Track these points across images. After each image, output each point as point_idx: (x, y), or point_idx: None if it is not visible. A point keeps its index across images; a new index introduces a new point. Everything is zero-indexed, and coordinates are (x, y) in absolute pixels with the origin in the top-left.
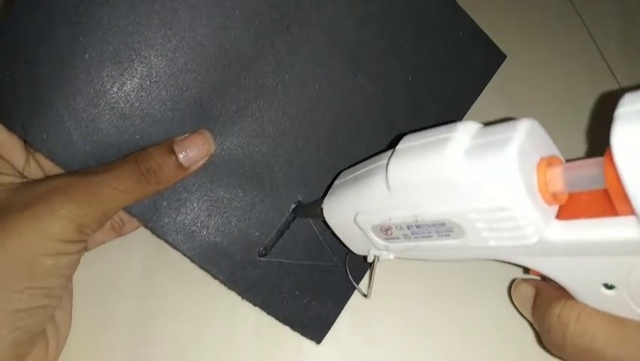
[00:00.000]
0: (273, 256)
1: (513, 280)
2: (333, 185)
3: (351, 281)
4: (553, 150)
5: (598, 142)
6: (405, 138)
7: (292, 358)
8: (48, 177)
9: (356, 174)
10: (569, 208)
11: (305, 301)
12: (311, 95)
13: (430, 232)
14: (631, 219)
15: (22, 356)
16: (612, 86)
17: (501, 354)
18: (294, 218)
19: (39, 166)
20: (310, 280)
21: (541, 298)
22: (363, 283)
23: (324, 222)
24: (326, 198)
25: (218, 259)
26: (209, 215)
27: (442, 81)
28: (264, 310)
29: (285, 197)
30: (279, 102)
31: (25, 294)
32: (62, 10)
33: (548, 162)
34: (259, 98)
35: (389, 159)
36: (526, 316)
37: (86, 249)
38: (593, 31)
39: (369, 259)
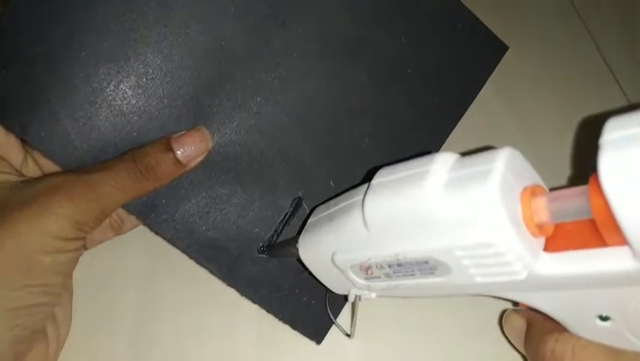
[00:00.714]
0: (272, 252)
1: (504, 311)
2: (308, 222)
3: (331, 318)
4: (535, 178)
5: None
6: (380, 172)
7: (293, 358)
8: (46, 176)
9: (330, 210)
10: (556, 240)
11: (305, 299)
12: (308, 90)
13: (412, 271)
14: (623, 249)
15: (22, 354)
16: (611, 84)
17: None
18: (293, 214)
19: (37, 165)
20: (310, 278)
21: (534, 331)
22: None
23: (299, 260)
24: (301, 236)
25: (217, 256)
26: (207, 212)
27: (442, 74)
28: (264, 308)
29: (285, 193)
30: (276, 98)
31: (23, 292)
32: (59, 9)
33: (532, 191)
34: (256, 94)
35: (365, 195)
36: (518, 348)
37: (85, 248)
38: (593, 30)
39: (350, 299)
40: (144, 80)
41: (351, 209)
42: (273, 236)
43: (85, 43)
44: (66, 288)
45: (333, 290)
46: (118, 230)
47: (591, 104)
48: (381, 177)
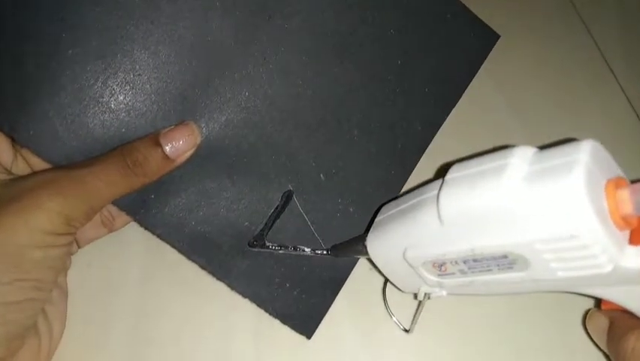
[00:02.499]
0: (262, 246)
1: (587, 311)
2: (376, 220)
3: (389, 313)
4: (617, 170)
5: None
6: (454, 167)
7: (291, 357)
8: (35, 173)
9: (401, 207)
10: None
11: (295, 293)
12: (297, 84)
13: (489, 266)
14: None
15: (14, 350)
16: (610, 81)
17: None
18: (284, 208)
19: (27, 163)
20: (301, 271)
21: (616, 328)
22: (356, 289)
23: (369, 259)
24: (369, 233)
25: (207, 250)
26: (197, 206)
27: (432, 64)
28: (254, 303)
29: (275, 186)
30: (264, 92)
31: (14, 286)
32: (46, 7)
33: (616, 183)
34: (244, 88)
35: (439, 190)
36: (602, 348)
37: (78, 245)
38: (591, 27)
39: (420, 297)
40: (132, 76)
41: (425, 204)
42: (263, 230)
43: (72, 41)
44: (58, 285)
45: (402, 288)
46: (110, 227)
47: (589, 100)
48: (456, 172)
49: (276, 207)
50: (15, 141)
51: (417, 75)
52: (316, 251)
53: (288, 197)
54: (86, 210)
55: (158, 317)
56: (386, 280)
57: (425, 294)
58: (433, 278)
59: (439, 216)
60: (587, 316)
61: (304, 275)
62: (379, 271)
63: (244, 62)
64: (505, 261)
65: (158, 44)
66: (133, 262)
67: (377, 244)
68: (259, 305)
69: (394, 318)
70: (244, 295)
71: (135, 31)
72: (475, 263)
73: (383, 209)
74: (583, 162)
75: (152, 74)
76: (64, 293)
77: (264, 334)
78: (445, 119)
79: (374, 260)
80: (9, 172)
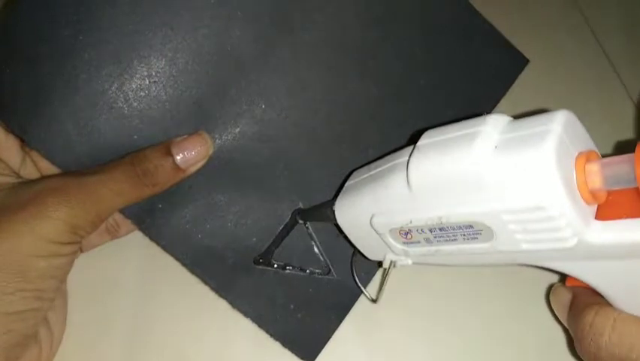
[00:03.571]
0: (268, 264)
1: (551, 286)
2: (345, 185)
3: (357, 283)
4: (589, 144)
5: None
6: (426, 134)
7: None
8: (43, 178)
9: (372, 173)
10: (608, 208)
11: (299, 316)
12: (314, 99)
13: (455, 235)
14: None
15: (14, 359)
16: (616, 85)
17: None
18: (294, 226)
19: (35, 167)
20: (306, 293)
21: (577, 303)
22: (370, 289)
23: (336, 225)
24: (338, 198)
25: (211, 265)
26: (204, 219)
27: (457, 86)
28: (256, 324)
29: (285, 203)
30: (281, 105)
31: (16, 296)
32: (63, 9)
33: (587, 157)
34: (261, 101)
35: (410, 156)
36: (563, 322)
37: (80, 250)
38: (596, 31)
39: (385, 265)
40: (147, 82)
41: (395, 170)
42: (270, 247)
43: (88, 44)
44: (60, 292)
45: (368, 256)
46: (114, 234)
47: (595, 102)
48: (427, 139)
49: (285, 225)
50: (24, 143)
51: (439, 96)
52: (322, 274)
53: (298, 215)
54: (92, 220)
55: (157, 320)
56: (354, 250)
57: (391, 262)
58: (398, 246)
59: (408, 183)
60: (551, 290)
61: (310, 297)
62: (346, 238)
63: (262, 73)
64: (470, 231)
65: (176, 52)
66: (133, 265)
67: (345, 209)
68: (260, 326)
69: (363, 289)
70: (245, 314)
71: (153, 37)
72: (441, 232)
73: (353, 174)
74: (555, 133)
75: (168, 82)
76: (65, 299)
77: (264, 342)
78: None
79: (341, 226)
80: (17, 175)
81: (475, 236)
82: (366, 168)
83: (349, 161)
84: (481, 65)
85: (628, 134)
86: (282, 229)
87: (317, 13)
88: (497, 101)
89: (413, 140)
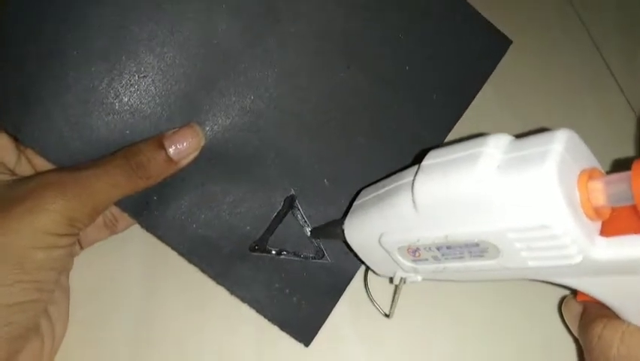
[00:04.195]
0: (263, 251)
1: (563, 297)
2: (354, 205)
3: (370, 298)
4: (592, 161)
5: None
6: (430, 154)
7: (292, 359)
8: (39, 174)
9: (379, 192)
10: (613, 224)
11: (295, 300)
12: (302, 88)
13: (462, 253)
14: None
15: (16, 351)
16: (610, 84)
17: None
18: (287, 213)
19: (30, 164)
20: (301, 277)
21: (586, 316)
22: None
23: (345, 242)
24: (347, 218)
25: (208, 254)
26: (199, 209)
27: (442, 69)
28: (253, 308)
29: (278, 190)
30: (269, 95)
31: (16, 288)
32: (51, 7)
33: (589, 174)
34: (249, 91)
35: (415, 176)
36: (574, 334)
37: (81, 247)
38: (591, 30)
39: (396, 282)
40: (136, 78)
41: (401, 191)
42: (265, 234)
43: (77, 42)
44: (60, 286)
45: (378, 273)
46: (112, 229)
47: (589, 102)
48: (431, 159)
49: (279, 212)
50: (19, 142)
51: (425, 81)
52: (316, 258)
53: (291, 201)
54: (88, 212)
55: (159, 317)
56: (367, 269)
57: (401, 279)
58: (407, 264)
59: (414, 203)
60: (564, 302)
61: (304, 281)
62: (355, 255)
63: (250, 64)
64: (476, 249)
65: (163, 46)
66: (135, 263)
67: (354, 228)
68: (258, 311)
69: (375, 303)
70: (243, 299)
71: (140, 33)
72: (448, 250)
73: (361, 193)
74: (556, 152)
75: (157, 76)
76: (67, 293)
77: (267, 337)
78: (453, 126)
79: (351, 244)
80: (12, 173)
81: (481, 254)
82: (373, 187)
83: (339, 148)
84: (465, 48)
85: (622, 132)
86: (276, 216)
87: (302, 3)
88: (482, 83)
89: (417, 159)
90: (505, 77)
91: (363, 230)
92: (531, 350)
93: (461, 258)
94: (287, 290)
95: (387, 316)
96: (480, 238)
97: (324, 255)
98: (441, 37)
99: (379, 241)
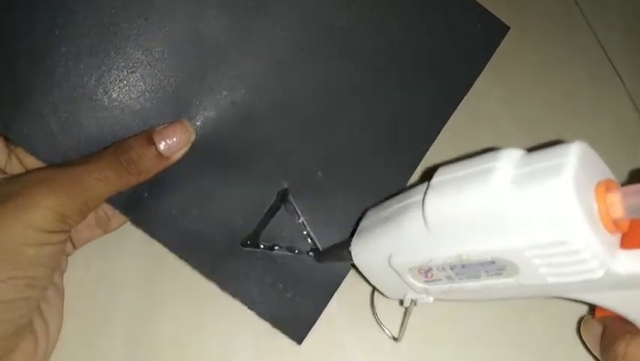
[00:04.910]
0: (256, 246)
1: (582, 318)
2: (360, 225)
3: (377, 320)
4: (607, 172)
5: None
6: (439, 171)
7: (290, 359)
8: (29, 171)
9: (386, 212)
10: (631, 236)
11: (288, 296)
12: (294, 80)
13: (477, 272)
14: None
15: (9, 350)
16: (614, 80)
17: None
18: (279, 207)
19: (21, 163)
20: (294, 273)
21: (608, 334)
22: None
23: (353, 265)
24: (354, 239)
25: (199, 249)
26: (191, 204)
27: (437, 57)
28: (245, 305)
29: (270, 185)
30: (260, 89)
31: (7, 284)
32: (38, 4)
33: (606, 186)
34: (240, 85)
35: (425, 195)
36: (596, 355)
37: (74, 246)
38: (594, 26)
39: (406, 304)
40: (125, 73)
41: (410, 210)
42: (257, 229)
43: (65, 38)
44: (53, 284)
45: (387, 295)
46: (105, 227)
47: (591, 98)
48: (441, 176)
49: (271, 206)
50: (9, 140)
51: (421, 69)
52: (309, 253)
53: (283, 195)
54: (79, 208)
55: (157, 318)
56: (374, 289)
57: (411, 300)
58: (419, 285)
59: (425, 222)
60: (582, 323)
61: (298, 277)
62: (365, 279)
63: (239, 58)
64: (493, 267)
65: (151, 41)
66: (132, 264)
67: (361, 250)
68: (250, 307)
69: (383, 327)
70: (234, 295)
71: (128, 28)
72: (463, 269)
73: (367, 213)
74: (571, 165)
75: (146, 71)
76: (61, 292)
77: (265, 337)
78: (450, 116)
79: (358, 266)
80: (3, 172)
81: (499, 272)
82: (379, 206)
83: (332, 140)
84: (460, 35)
85: (627, 132)
86: (268, 210)
87: None
88: (479, 71)
89: (424, 177)
90: (506, 75)
91: (371, 252)
92: None
93: (477, 277)
94: (280, 286)
95: (395, 339)
96: (496, 256)
97: (317, 250)
98: (435, 25)
99: (389, 263)
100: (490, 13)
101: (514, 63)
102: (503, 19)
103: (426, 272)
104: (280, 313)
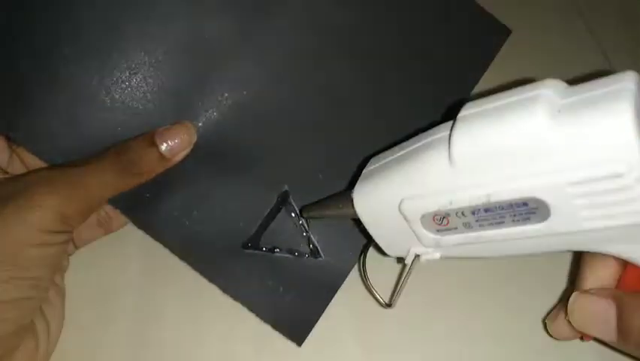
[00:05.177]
0: (256, 248)
1: (550, 310)
2: (365, 170)
3: (368, 285)
4: None
5: None
6: (467, 106)
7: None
8: (31, 171)
9: (401, 153)
10: None
11: (288, 298)
12: (295, 83)
13: (502, 217)
14: None
15: (10, 349)
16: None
17: None
18: (280, 209)
19: (22, 163)
20: (295, 275)
21: (630, 312)
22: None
23: (354, 219)
24: (357, 185)
25: (200, 251)
26: (192, 205)
27: (439, 60)
28: (246, 307)
29: (271, 186)
30: (262, 91)
31: (10, 284)
32: (40, 6)
33: None
34: (242, 87)
35: (452, 128)
36: (602, 339)
37: (75, 246)
38: (594, 27)
39: (408, 260)
40: (127, 74)
41: (432, 146)
42: (258, 231)
43: (67, 40)
44: (55, 284)
45: (388, 251)
46: (107, 228)
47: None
48: (470, 109)
49: (272, 209)
50: (11, 140)
51: (422, 73)
52: (310, 255)
53: (284, 197)
54: (81, 209)
55: (157, 319)
56: (365, 247)
57: (415, 256)
58: (430, 235)
59: (450, 159)
60: (571, 303)
61: (298, 279)
62: (362, 232)
63: (241, 60)
64: (522, 210)
65: (153, 42)
66: (133, 264)
67: (366, 196)
68: (250, 309)
69: (375, 291)
70: (235, 298)
71: (130, 30)
72: (486, 214)
73: (372, 160)
74: (629, 91)
75: (148, 73)
76: (62, 293)
77: (265, 339)
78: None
79: (360, 216)
80: (4, 171)
81: (527, 216)
82: (388, 151)
83: (333, 142)
84: (462, 37)
85: None
86: (269, 212)
87: None
88: (481, 74)
89: (445, 118)
90: (506, 78)
91: (379, 197)
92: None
93: (500, 223)
94: (280, 288)
95: (389, 306)
96: (531, 194)
97: (318, 252)
98: (437, 28)
99: (399, 209)
100: (492, 16)
101: (515, 63)
102: (503, 20)
103: (441, 219)
104: (280, 315)
